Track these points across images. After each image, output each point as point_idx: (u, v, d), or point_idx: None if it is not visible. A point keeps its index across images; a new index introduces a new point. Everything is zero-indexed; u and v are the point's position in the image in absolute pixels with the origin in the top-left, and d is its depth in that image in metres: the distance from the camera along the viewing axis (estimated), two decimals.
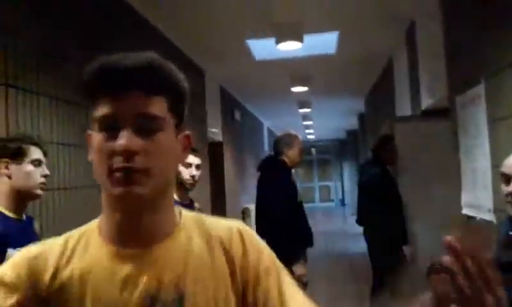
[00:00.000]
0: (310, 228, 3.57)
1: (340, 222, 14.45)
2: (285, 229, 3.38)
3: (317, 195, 21.21)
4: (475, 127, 2.95)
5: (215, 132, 6.62)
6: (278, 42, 4.57)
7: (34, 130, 2.46)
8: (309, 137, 17.90)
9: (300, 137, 3.70)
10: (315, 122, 12.87)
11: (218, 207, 6.56)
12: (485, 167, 2.78)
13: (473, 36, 2.93)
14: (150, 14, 4.08)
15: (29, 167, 1.93)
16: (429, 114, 4.22)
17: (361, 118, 11.11)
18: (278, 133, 3.78)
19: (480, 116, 2.85)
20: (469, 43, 3.03)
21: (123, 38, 3.66)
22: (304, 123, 12.48)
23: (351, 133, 15.14)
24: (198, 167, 2.65)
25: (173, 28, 4.50)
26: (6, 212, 1.89)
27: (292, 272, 3.48)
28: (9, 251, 1.78)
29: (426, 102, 4.23)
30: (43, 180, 2.00)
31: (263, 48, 5.28)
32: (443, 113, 3.70)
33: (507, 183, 1.66)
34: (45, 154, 2.07)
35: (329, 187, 21.06)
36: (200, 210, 2.64)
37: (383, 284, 4.12)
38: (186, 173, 2.59)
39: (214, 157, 6.62)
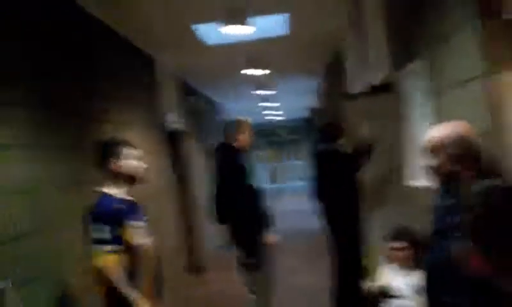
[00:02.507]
0: (264, 210, 3.67)
1: (308, 200, 14.64)
2: (241, 212, 3.49)
3: (288, 175, 21.43)
4: (415, 100, 3.07)
5: (172, 120, 6.58)
6: (226, 26, 4.56)
7: None
8: (271, 118, 18.04)
9: (249, 120, 3.77)
10: (276, 103, 12.95)
11: (181, 195, 6.56)
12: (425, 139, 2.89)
13: (412, 12, 3.02)
14: (94, 6, 4.00)
15: None
16: (377, 89, 4.32)
17: (320, 95, 11.25)
18: (240, 117, 3.88)
19: (419, 89, 2.96)
20: (408, 20, 3.12)
21: (67, 32, 3.58)
22: (266, 104, 12.54)
23: (313, 111, 15.30)
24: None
25: (119, 19, 4.43)
26: None
27: (252, 256, 3.62)
28: None
29: (373, 78, 4.34)
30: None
31: (213, 33, 5.26)
32: (390, 88, 3.81)
33: (427, 156, 1.76)
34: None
35: (297, 166, 21.30)
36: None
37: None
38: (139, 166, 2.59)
39: (173, 146, 6.59)
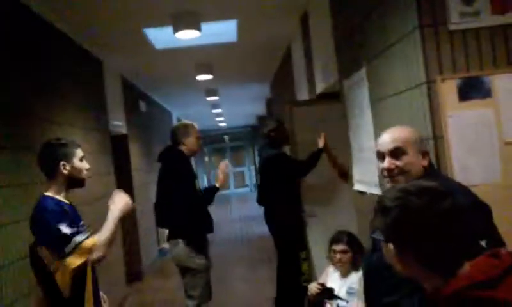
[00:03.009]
0: (209, 215, 3.66)
1: (255, 206, 14.73)
2: (187, 218, 3.46)
3: (231, 181, 21.44)
4: (360, 108, 3.17)
5: (118, 124, 6.42)
6: (175, 31, 4.53)
7: None
8: (220, 125, 18.00)
9: (196, 125, 3.77)
10: (225, 109, 12.94)
11: None
12: (369, 145, 3.00)
13: (358, 23, 3.13)
14: (43, 8, 3.86)
15: None
16: (324, 97, 4.44)
17: (268, 103, 11.38)
18: (186, 121, 3.86)
19: (363, 98, 3.06)
20: (354, 31, 3.23)
21: (12, 31, 3.41)
22: (214, 111, 12.50)
23: (261, 118, 15.45)
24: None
25: (66, 20, 4.30)
26: None
27: (201, 257, 3.60)
28: None
29: (320, 86, 4.46)
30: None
31: (163, 37, 5.21)
32: (336, 96, 3.92)
33: (382, 159, 1.74)
34: None
35: (244, 173, 21.38)
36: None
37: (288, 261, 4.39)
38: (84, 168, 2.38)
39: (118, 150, 6.43)
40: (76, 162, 2.32)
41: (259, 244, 8.32)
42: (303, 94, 5.40)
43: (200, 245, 3.61)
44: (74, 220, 2.23)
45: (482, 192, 2.09)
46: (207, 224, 3.65)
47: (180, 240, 3.56)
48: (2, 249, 2.92)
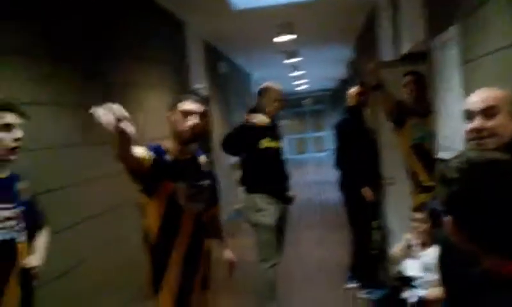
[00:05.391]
0: (275, 173, 3.73)
1: (331, 171, 14.58)
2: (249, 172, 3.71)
3: (310, 145, 21.32)
4: (449, 69, 2.95)
5: (200, 86, 6.56)
6: None
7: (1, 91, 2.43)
8: (300, 88, 17.80)
9: (275, 86, 3.75)
10: (306, 72, 12.74)
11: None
12: (458, 110, 2.79)
13: None
14: None
15: None
16: (409, 58, 4.18)
17: (350, 65, 11.02)
18: (269, 83, 3.89)
19: (454, 58, 2.84)
20: None
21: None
22: (294, 74, 12.35)
23: (342, 81, 15.02)
24: (200, 115, 2.22)
25: None
26: None
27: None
28: None
29: (406, 46, 4.20)
30: (14, 144, 1.99)
31: None
32: (422, 57, 3.68)
33: (470, 119, 1.61)
34: (21, 115, 2.03)
35: (322, 137, 21.12)
36: (208, 165, 2.42)
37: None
38: (184, 124, 2.20)
39: None
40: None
41: (334, 209, 8.24)
42: (387, 56, 5.14)
43: (262, 201, 3.64)
44: None
45: None
46: (267, 182, 3.66)
47: (246, 195, 3.72)
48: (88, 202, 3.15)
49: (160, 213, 2.20)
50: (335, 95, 18.73)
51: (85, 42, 3.39)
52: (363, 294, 4.26)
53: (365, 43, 7.14)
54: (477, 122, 1.57)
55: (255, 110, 3.73)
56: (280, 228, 3.76)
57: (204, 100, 2.31)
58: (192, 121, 2.19)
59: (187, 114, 2.19)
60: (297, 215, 8.14)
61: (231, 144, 3.68)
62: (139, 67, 4.39)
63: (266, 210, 3.63)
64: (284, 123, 21.20)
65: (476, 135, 1.57)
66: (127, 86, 4.04)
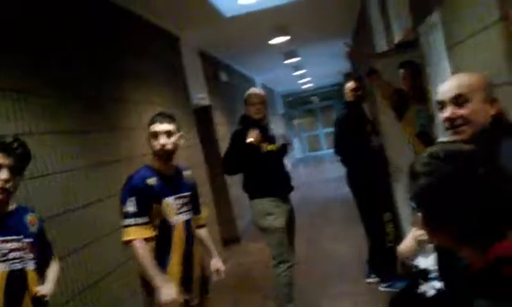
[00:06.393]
0: (276, 176, 3.74)
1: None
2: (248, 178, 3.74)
3: (323, 142, 21.22)
4: (436, 55, 2.92)
5: (201, 97, 6.60)
6: None
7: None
8: (306, 86, 17.77)
9: (255, 91, 3.87)
10: (309, 70, 12.71)
11: (214, 171, 6.62)
12: None
13: None
14: None
15: None
16: (402, 47, 4.15)
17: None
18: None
19: (439, 43, 2.81)
20: None
21: (80, 17, 3.61)
22: (297, 73, 12.33)
23: (346, 75, 14.93)
24: (168, 134, 2.51)
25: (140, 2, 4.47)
26: None
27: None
28: None
29: (397, 36, 4.17)
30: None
31: (231, 5, 5.19)
32: (413, 44, 3.65)
33: (443, 109, 1.61)
34: (9, 155, 1.96)
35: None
36: (192, 178, 2.73)
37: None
38: (156, 144, 2.50)
39: (202, 121, 6.63)
40: None
41: (352, 204, 8.20)
42: (382, 46, 5.11)
43: (270, 204, 3.65)
44: None
45: None
46: (271, 185, 3.68)
47: (251, 201, 3.74)
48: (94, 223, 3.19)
49: (154, 235, 2.43)
50: (342, 89, 18.58)
51: (82, 66, 3.46)
52: (383, 287, 4.23)
53: (361, 35, 7.11)
54: (449, 111, 1.56)
55: (245, 117, 3.80)
56: (289, 229, 3.78)
57: (171, 119, 2.53)
58: (161, 141, 2.44)
59: (156, 134, 2.46)
60: (315, 213, 8.13)
61: (231, 168, 3.78)
62: (137, 86, 4.46)
63: (275, 213, 3.65)
64: (296, 122, 21.20)
65: (450, 125, 1.55)
66: (126, 105, 4.09)
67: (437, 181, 0.98)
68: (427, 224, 1.02)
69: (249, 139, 3.55)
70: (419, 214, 1.03)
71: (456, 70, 2.58)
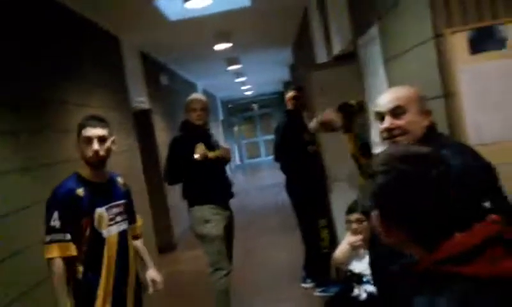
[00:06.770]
0: (216, 184, 3.71)
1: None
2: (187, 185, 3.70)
3: (262, 150, 21.44)
4: (374, 67, 3.05)
5: (140, 100, 6.46)
6: (185, 0, 4.45)
7: None
8: (247, 93, 17.90)
9: (194, 97, 3.84)
10: (250, 77, 12.82)
11: (152, 177, 6.49)
12: None
13: None
14: None
15: None
16: (341, 58, 4.30)
17: (292, 68, 11.19)
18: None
19: (377, 57, 2.94)
20: None
21: (15, 12, 3.43)
22: (238, 80, 12.40)
23: (286, 84, 15.22)
24: (102, 139, 2.31)
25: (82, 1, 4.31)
26: None
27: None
28: None
29: (337, 48, 4.31)
30: None
31: (175, 8, 5.13)
32: (352, 57, 3.78)
33: (382, 120, 1.67)
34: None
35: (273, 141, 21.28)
36: (125, 185, 2.56)
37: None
38: (88, 150, 2.29)
39: (142, 125, 6.49)
40: None
41: (289, 211, 8.32)
42: (322, 58, 5.26)
43: (209, 212, 3.63)
44: None
45: (502, 150, 1.97)
46: (211, 192, 3.65)
47: (190, 208, 3.69)
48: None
49: (84, 248, 2.26)
50: (282, 98, 18.91)
51: (15, 65, 3.27)
52: (318, 292, 4.32)
53: (302, 45, 7.28)
54: (387, 122, 1.63)
55: (186, 123, 3.75)
56: (227, 237, 3.76)
57: (104, 122, 2.36)
58: (94, 147, 2.25)
59: (89, 140, 2.26)
60: (252, 221, 8.17)
61: (174, 178, 3.72)
62: (75, 86, 4.28)
63: (214, 221, 3.62)
64: (236, 129, 21.28)
65: (388, 135, 1.62)
66: (63, 106, 3.92)
67: (394, 180, 1.01)
68: (383, 222, 1.05)
69: (196, 155, 3.50)
70: (375, 213, 1.06)
71: (391, 83, 2.71)
